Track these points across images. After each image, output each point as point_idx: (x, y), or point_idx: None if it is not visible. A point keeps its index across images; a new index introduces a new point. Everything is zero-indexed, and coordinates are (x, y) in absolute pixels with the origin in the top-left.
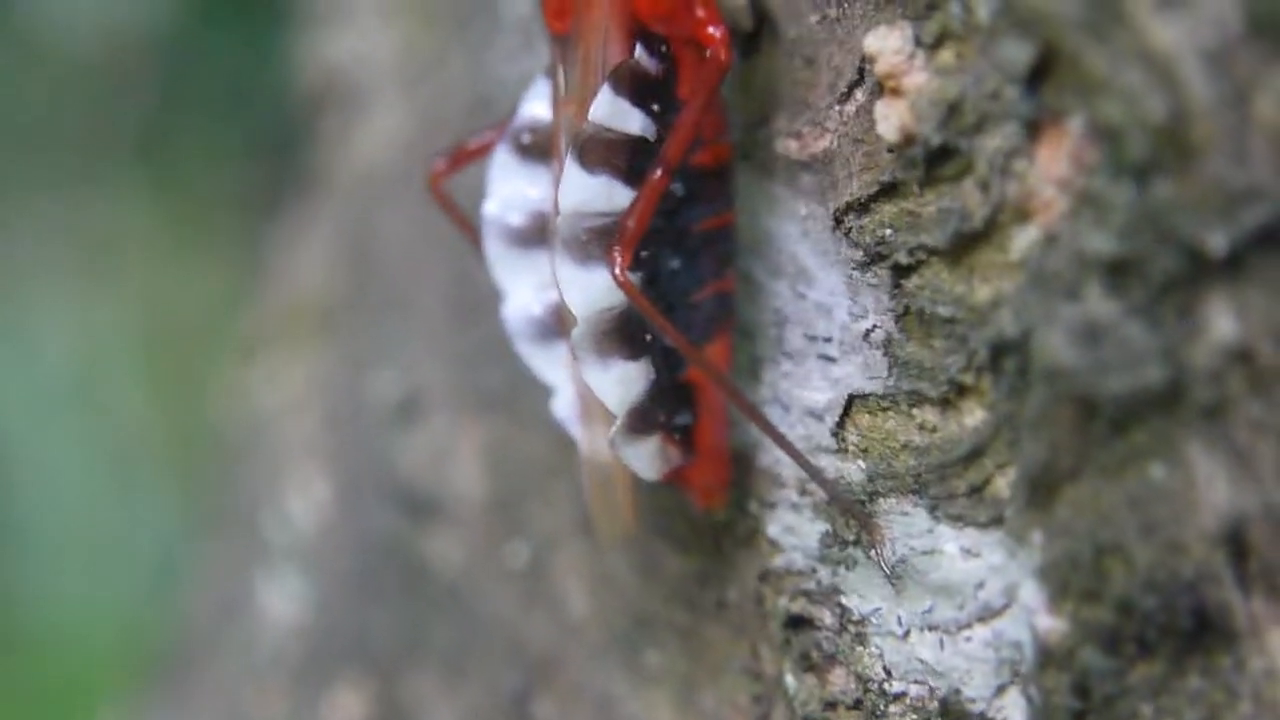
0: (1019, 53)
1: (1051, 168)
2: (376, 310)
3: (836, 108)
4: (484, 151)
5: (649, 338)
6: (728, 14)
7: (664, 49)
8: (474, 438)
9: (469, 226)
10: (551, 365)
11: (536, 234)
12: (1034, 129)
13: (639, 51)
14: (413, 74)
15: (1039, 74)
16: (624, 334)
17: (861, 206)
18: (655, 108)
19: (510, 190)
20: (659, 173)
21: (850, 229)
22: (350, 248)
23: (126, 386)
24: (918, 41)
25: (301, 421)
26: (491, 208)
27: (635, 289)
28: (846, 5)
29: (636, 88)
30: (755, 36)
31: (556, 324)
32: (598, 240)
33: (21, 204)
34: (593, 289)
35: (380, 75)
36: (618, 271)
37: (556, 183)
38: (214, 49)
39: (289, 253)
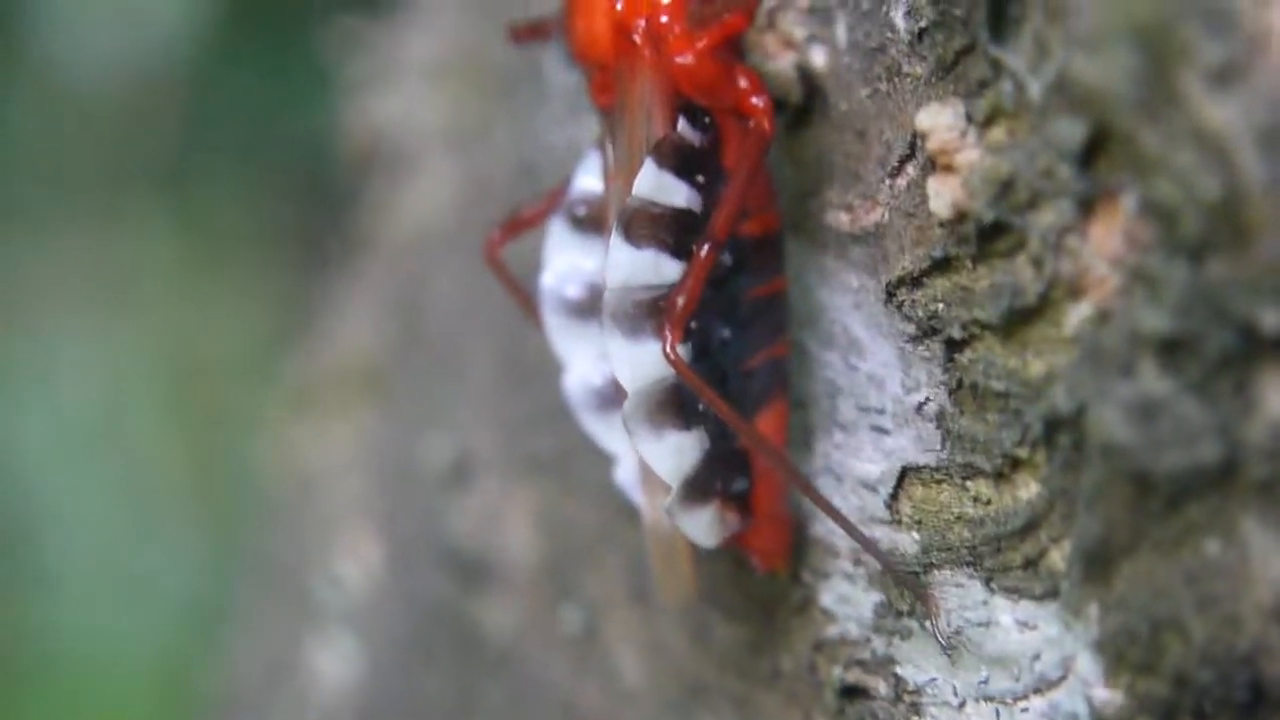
0: (1071, 131)
1: (1105, 244)
2: (427, 373)
3: (888, 181)
4: (536, 220)
5: (702, 407)
6: (778, 86)
7: (707, 120)
8: (525, 503)
9: (523, 294)
10: (612, 434)
11: (593, 305)
12: (1087, 206)
13: (682, 124)
14: (459, 138)
15: (1092, 151)
16: (676, 405)
17: (914, 280)
18: (700, 179)
19: (566, 262)
20: (707, 248)
21: (902, 302)
22: (399, 309)
23: (150, 422)
24: (969, 118)
25: (351, 482)
26: (549, 280)
27: (686, 367)
28: (897, 80)
29: (680, 160)
30: (806, 109)
31: (616, 393)
32: (646, 314)
33: (46, 240)
34: (642, 362)
35: (427, 138)
36: (668, 349)
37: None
38: (236, 85)
39: (337, 312)
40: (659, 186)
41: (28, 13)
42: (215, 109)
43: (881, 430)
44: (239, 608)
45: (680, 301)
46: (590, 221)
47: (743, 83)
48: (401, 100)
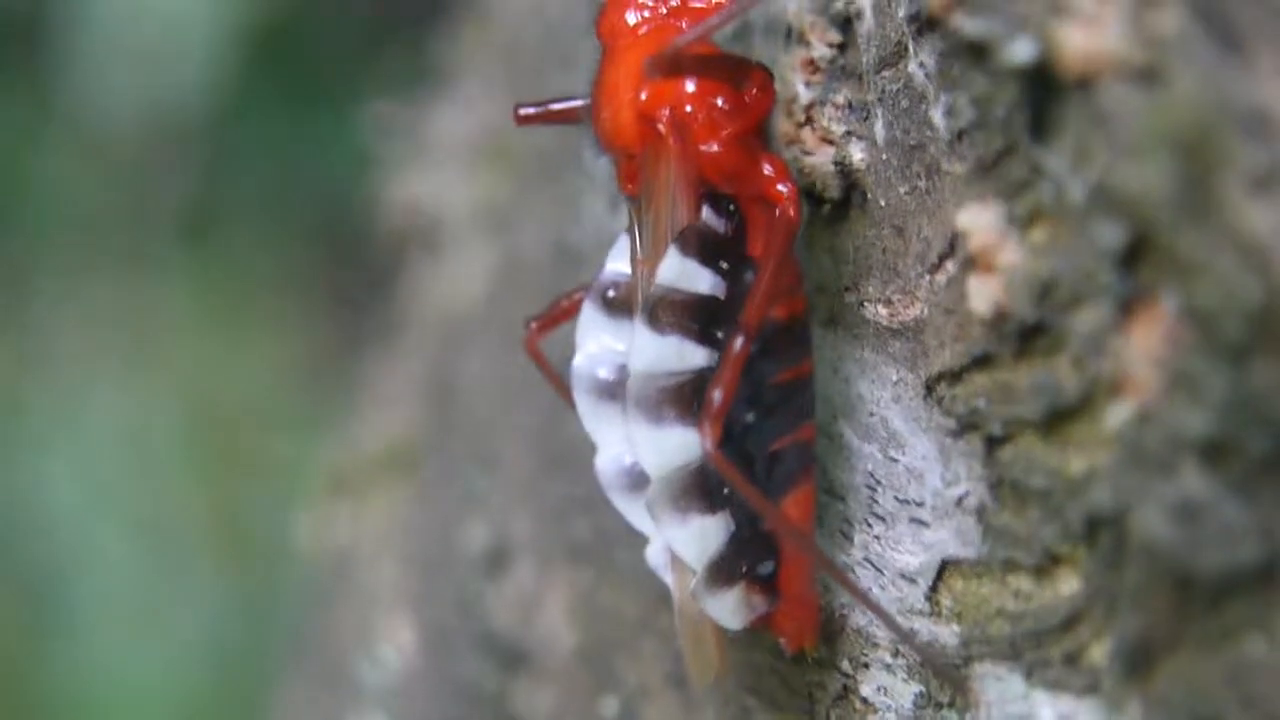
0: (1112, 234)
1: (1146, 346)
2: (463, 455)
3: (927, 277)
4: (574, 312)
5: (727, 491)
6: (817, 181)
7: (732, 207)
8: (562, 588)
9: (564, 385)
10: (644, 514)
11: (624, 387)
12: (1128, 307)
13: (706, 212)
14: (494, 219)
15: (1133, 253)
16: (701, 489)
17: (953, 376)
18: (724, 265)
19: (597, 345)
20: (740, 340)
21: (942, 397)
22: (434, 391)
23: (173, 468)
24: (1010, 219)
25: (389, 564)
26: (579, 362)
27: (728, 463)
28: (936, 178)
29: (704, 248)
30: (844, 204)
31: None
32: (670, 400)
33: (71, 287)
34: (667, 448)
35: (462, 219)
36: (709, 447)
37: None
38: (259, 135)
39: (373, 392)
40: (683, 273)
41: (55, 62)
42: (238, 158)
43: (921, 523)
44: (275, 684)
45: (717, 397)
46: (621, 304)
47: (767, 170)
48: (436, 181)
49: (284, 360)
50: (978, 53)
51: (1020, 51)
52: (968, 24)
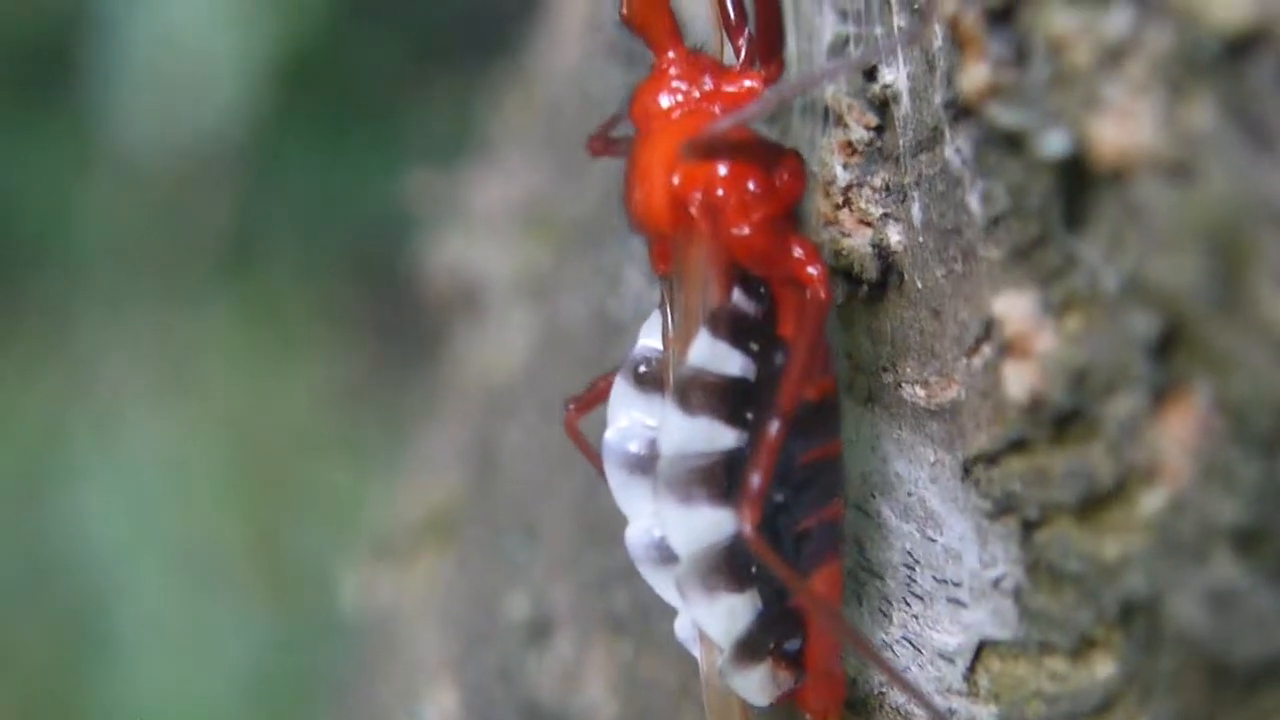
0: (1145, 325)
1: (1179, 435)
2: (505, 524)
3: (964, 360)
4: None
5: (754, 569)
6: (855, 262)
7: (762, 290)
8: (603, 660)
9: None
10: (672, 588)
11: (655, 461)
12: (1162, 396)
13: (737, 294)
14: (534, 288)
15: (1166, 344)
16: (729, 568)
17: (990, 459)
18: (754, 347)
19: (628, 419)
20: (775, 425)
21: (979, 479)
22: (476, 459)
23: (212, 495)
24: (1045, 306)
25: (431, 629)
26: (611, 436)
27: (767, 548)
28: (973, 262)
29: (734, 330)
30: (882, 285)
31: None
32: (700, 480)
33: (109, 317)
34: (696, 527)
35: (503, 287)
36: (749, 531)
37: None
38: (294, 162)
39: (419, 456)
40: (713, 356)
41: (92, 97)
42: (275, 189)
43: (959, 603)
44: None
45: (755, 481)
46: (652, 380)
47: (798, 252)
48: (478, 248)
49: (323, 388)
50: (1012, 142)
51: (1054, 144)
52: (1002, 114)
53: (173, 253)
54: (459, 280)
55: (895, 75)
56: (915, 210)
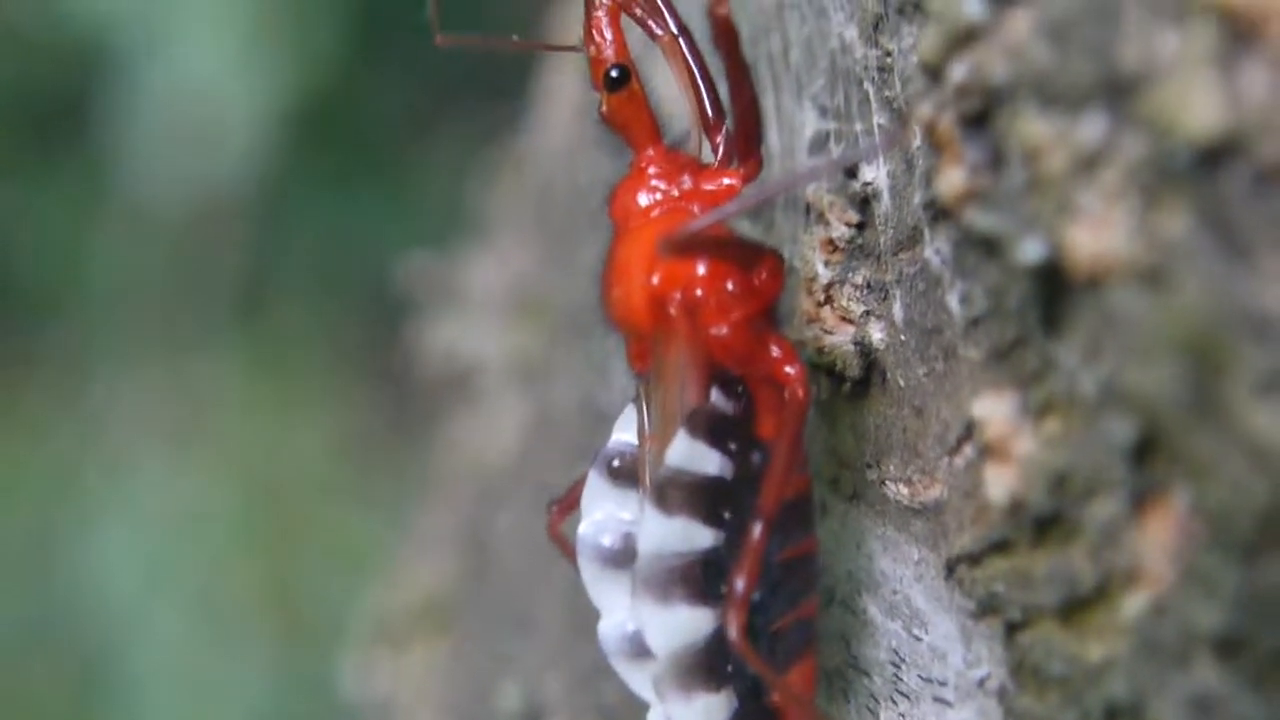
0: (1123, 430)
1: (1159, 539)
2: (497, 614)
3: (946, 459)
4: None
5: (730, 667)
6: (838, 359)
7: (740, 389)
8: None
9: None
10: (645, 681)
11: (629, 555)
12: (1141, 501)
13: (715, 394)
14: (526, 373)
15: (1144, 450)
16: (706, 667)
17: (973, 559)
18: (732, 447)
19: (602, 513)
20: (759, 527)
21: (962, 579)
22: (469, 546)
23: (226, 541)
24: (1024, 409)
25: (427, 716)
26: (585, 530)
27: (754, 653)
28: (953, 361)
29: (712, 430)
30: (864, 382)
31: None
32: (677, 580)
33: (123, 365)
34: (674, 627)
35: (495, 372)
36: (734, 635)
37: (641, 517)
38: (306, 209)
39: (415, 539)
40: (691, 455)
41: (105, 145)
42: (288, 236)
43: (944, 702)
44: None
45: (740, 586)
46: (626, 474)
47: (776, 351)
48: (471, 331)
49: (335, 435)
50: (990, 246)
51: (1031, 251)
52: (979, 219)
53: (186, 301)
54: (453, 363)
55: (876, 173)
56: (897, 308)
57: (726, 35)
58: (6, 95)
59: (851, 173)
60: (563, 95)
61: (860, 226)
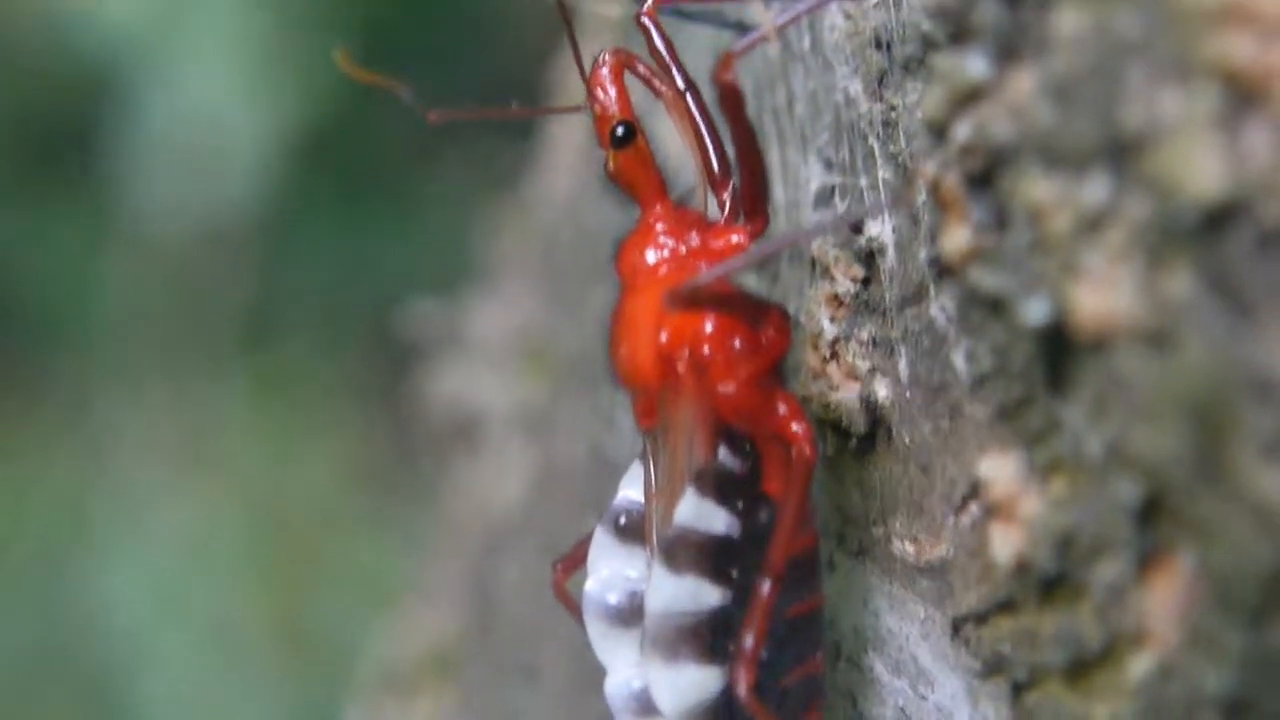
0: (1129, 491)
1: (1165, 601)
2: (504, 664)
3: (952, 518)
4: None
5: None
6: (844, 415)
7: (748, 447)
8: None
9: None
10: None
11: (635, 613)
12: (1147, 562)
13: (723, 452)
14: (531, 422)
15: (1150, 511)
16: None
17: (979, 618)
18: (740, 505)
19: (609, 570)
20: (767, 584)
21: (969, 638)
22: (477, 596)
23: (234, 571)
24: (1030, 468)
25: None
26: (591, 587)
27: (762, 708)
28: (959, 419)
29: (721, 488)
30: (871, 438)
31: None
32: (686, 638)
33: (128, 394)
34: (683, 686)
35: (500, 420)
36: (744, 692)
37: (648, 574)
38: (312, 236)
39: (422, 588)
40: (699, 514)
41: (109, 172)
42: (293, 263)
43: None
44: None
45: (749, 643)
46: (632, 531)
47: (782, 409)
48: (477, 379)
49: (343, 463)
50: (995, 306)
51: (1035, 312)
52: (984, 278)
53: (191, 328)
54: (457, 411)
55: (881, 228)
56: (902, 365)
57: (732, 100)
58: (11, 122)
59: (857, 228)
60: (568, 141)
61: (866, 282)
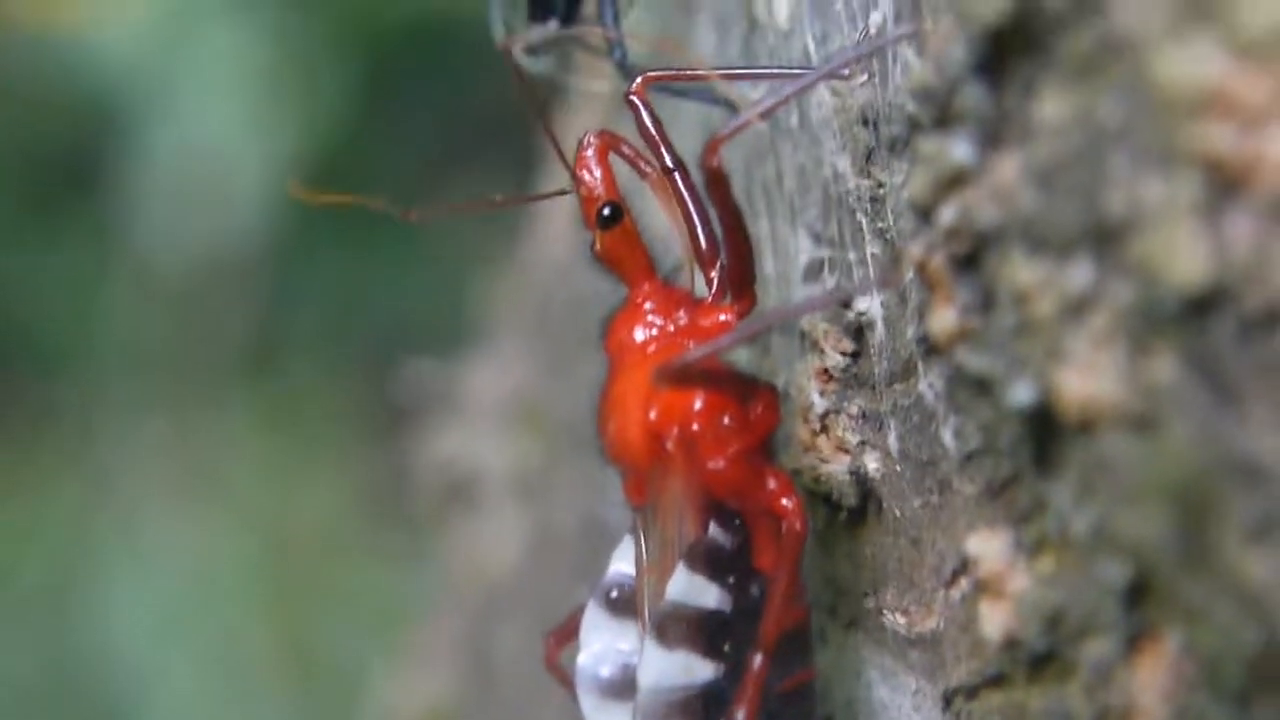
0: (1115, 572)
1: (1152, 680)
2: None
3: (942, 591)
4: None
5: None
6: (834, 488)
7: (738, 522)
8: None
9: None
10: None
11: (628, 686)
12: (1134, 641)
13: (713, 527)
14: (526, 485)
15: (1136, 592)
16: None
17: (969, 692)
18: (731, 580)
19: (601, 644)
20: (759, 659)
21: (959, 712)
22: (473, 659)
23: (239, 598)
24: (1018, 545)
25: None
26: (584, 661)
27: None
28: (948, 494)
29: (711, 563)
30: (861, 510)
31: None
32: (678, 714)
33: (133, 423)
34: None
35: (496, 483)
36: None
37: (640, 648)
38: (315, 265)
39: (418, 648)
40: (691, 589)
41: (113, 203)
42: (297, 292)
43: None
44: None
45: (741, 717)
46: (624, 605)
47: (772, 484)
48: (472, 441)
49: (346, 490)
50: (981, 386)
51: (1021, 395)
52: (971, 359)
53: (195, 358)
54: (453, 472)
55: (870, 303)
56: (892, 439)
57: (719, 184)
58: (16, 155)
59: (845, 302)
60: (561, 206)
61: (855, 355)
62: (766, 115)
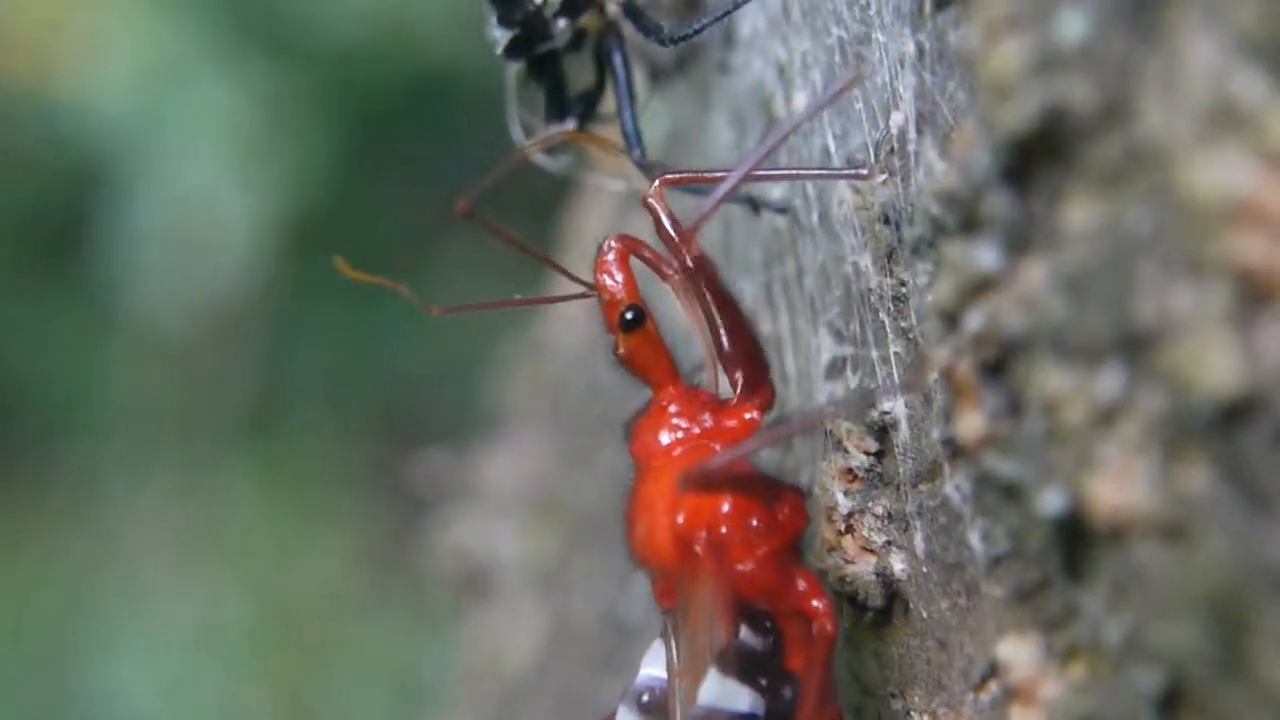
0: (1149, 681)
1: None
2: None
3: (972, 695)
4: None
5: None
6: (860, 588)
7: (768, 624)
8: None
9: None
10: None
11: None
12: None
13: (744, 630)
14: (543, 578)
15: (1170, 700)
16: None
17: None
18: (763, 682)
19: None
20: None
21: None
22: None
23: (242, 659)
24: (1049, 651)
25: None
26: None
27: None
28: (976, 597)
29: (743, 666)
30: (887, 611)
31: None
32: None
33: (133, 484)
34: None
35: (516, 574)
36: None
37: None
38: (314, 323)
39: None
40: (723, 694)
41: (109, 265)
42: (296, 351)
43: None
44: None
45: None
46: (655, 709)
47: (801, 585)
48: (486, 534)
49: (348, 550)
50: (1010, 491)
51: (1051, 503)
52: (999, 465)
53: (195, 417)
54: (469, 563)
55: (893, 403)
56: (918, 540)
57: (705, 272)
58: (8, 217)
59: (870, 404)
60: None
61: (879, 455)
62: (718, 205)
